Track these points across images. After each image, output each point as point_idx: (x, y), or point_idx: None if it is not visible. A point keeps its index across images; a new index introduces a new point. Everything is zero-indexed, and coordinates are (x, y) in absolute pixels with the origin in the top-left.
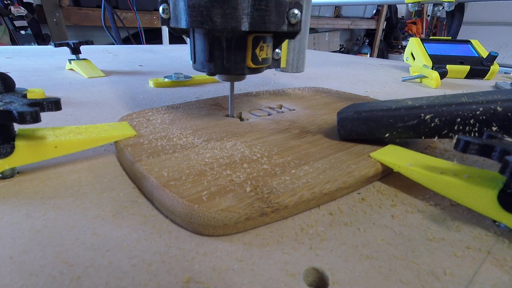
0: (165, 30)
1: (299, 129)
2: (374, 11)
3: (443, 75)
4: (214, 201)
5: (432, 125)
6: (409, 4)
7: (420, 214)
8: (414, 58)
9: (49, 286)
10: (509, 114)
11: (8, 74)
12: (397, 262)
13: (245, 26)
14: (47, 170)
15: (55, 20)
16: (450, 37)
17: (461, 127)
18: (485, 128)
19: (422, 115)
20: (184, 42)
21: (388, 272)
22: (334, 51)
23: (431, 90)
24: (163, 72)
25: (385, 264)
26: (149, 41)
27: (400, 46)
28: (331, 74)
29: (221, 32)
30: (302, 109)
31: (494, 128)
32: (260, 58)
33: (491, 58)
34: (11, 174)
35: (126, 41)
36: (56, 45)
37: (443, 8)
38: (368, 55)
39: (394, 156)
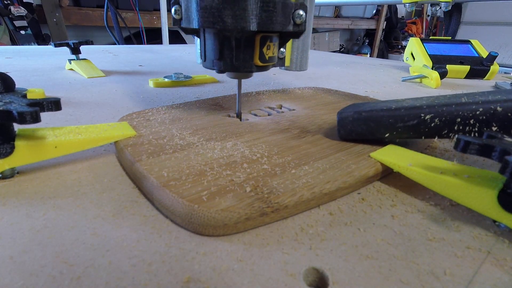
0: (165, 30)
1: (299, 129)
2: (374, 11)
3: (443, 75)
4: (214, 201)
5: (432, 125)
6: (407, 4)
7: (420, 214)
8: (414, 58)
9: (49, 286)
10: (509, 114)
11: (8, 74)
12: (397, 262)
13: (253, 26)
14: (47, 170)
15: (55, 20)
16: (450, 37)
17: (461, 127)
18: (485, 128)
19: (422, 115)
20: (184, 42)
21: (388, 272)
22: (334, 51)
23: (431, 90)
24: (163, 72)
25: (385, 264)
26: (149, 41)
27: (400, 46)
28: (331, 74)
29: (231, 32)
30: (302, 109)
31: (494, 128)
32: (267, 57)
33: (491, 58)
34: (11, 174)
35: (127, 40)
36: (56, 45)
37: (440, 8)
38: (368, 55)
39: (394, 156)
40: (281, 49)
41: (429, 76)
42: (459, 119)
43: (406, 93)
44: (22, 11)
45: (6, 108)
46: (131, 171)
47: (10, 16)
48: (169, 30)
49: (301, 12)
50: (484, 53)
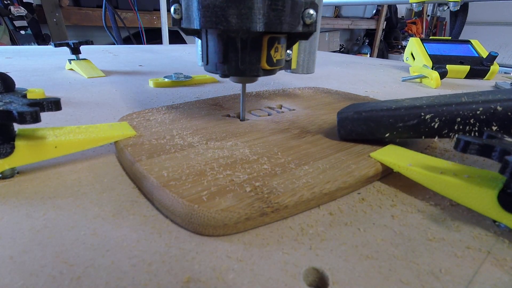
0: (165, 30)
1: (299, 129)
2: (374, 11)
3: (443, 75)
4: (214, 201)
5: (432, 124)
6: (414, 4)
7: (420, 214)
8: (414, 58)
9: (49, 286)
10: (509, 114)
11: (8, 74)
12: (397, 262)
13: (260, 27)
14: (47, 170)
15: (55, 20)
16: (450, 37)
17: (461, 127)
18: (485, 128)
19: (422, 114)
20: (184, 42)
21: (388, 272)
22: (334, 51)
23: (431, 90)
24: (163, 72)
25: (385, 264)
26: (149, 41)
27: (400, 46)
28: (331, 74)
29: (235, 33)
30: (302, 109)
31: (494, 128)
32: (274, 60)
33: (491, 58)
34: (11, 174)
35: (126, 41)
36: (56, 45)
37: (448, 8)
38: (368, 55)
39: (394, 156)
40: (288, 51)
41: (429, 76)
42: (459, 119)
43: (406, 93)
44: (22, 11)
45: (6, 108)
46: (131, 171)
47: (10, 16)
48: (169, 30)
49: (311, 11)
50: (484, 53)
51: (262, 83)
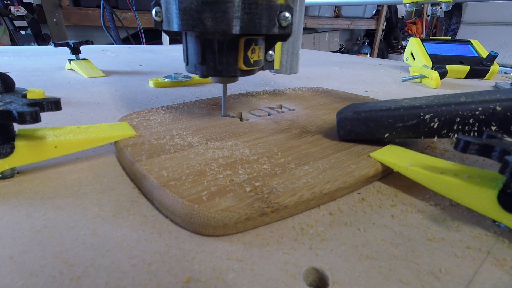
0: None
1: (299, 129)
2: (374, 11)
3: (443, 75)
4: (214, 201)
5: (432, 125)
6: (407, 4)
7: (420, 214)
8: (414, 58)
9: (49, 286)
10: (508, 114)
11: (8, 74)
12: (397, 262)
13: (236, 30)
14: (47, 170)
15: (55, 20)
16: (450, 37)
17: (460, 127)
18: (484, 128)
19: (422, 115)
20: None
21: (388, 272)
22: (334, 51)
23: (431, 90)
24: (163, 72)
25: (385, 264)
26: (149, 41)
27: (400, 46)
28: (331, 74)
29: (212, 35)
30: (302, 109)
31: (493, 128)
32: (252, 61)
33: (491, 58)
34: (11, 174)
35: (125, 41)
36: (56, 45)
37: (441, 8)
38: (368, 55)
39: (394, 156)
40: (270, 52)
41: (429, 76)
42: (458, 119)
43: (406, 93)
44: (22, 11)
45: (6, 108)
46: (131, 171)
47: (10, 16)
48: None
49: (286, 14)
50: (484, 53)
51: (262, 83)
